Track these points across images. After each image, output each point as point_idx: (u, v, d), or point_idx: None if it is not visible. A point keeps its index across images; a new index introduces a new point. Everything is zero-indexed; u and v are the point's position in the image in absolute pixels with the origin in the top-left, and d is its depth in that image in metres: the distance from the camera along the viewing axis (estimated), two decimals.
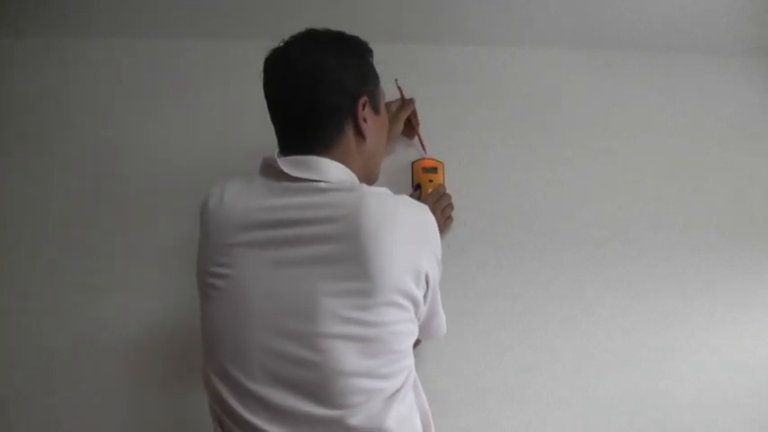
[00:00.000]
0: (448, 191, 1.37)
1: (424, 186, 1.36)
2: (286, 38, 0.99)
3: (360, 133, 0.98)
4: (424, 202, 1.29)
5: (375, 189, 0.92)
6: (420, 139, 1.41)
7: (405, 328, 0.90)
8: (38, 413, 1.31)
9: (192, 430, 1.28)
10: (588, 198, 1.45)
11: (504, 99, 1.49)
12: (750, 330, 1.41)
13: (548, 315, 1.38)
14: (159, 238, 1.37)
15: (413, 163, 1.39)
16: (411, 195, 1.36)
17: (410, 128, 1.40)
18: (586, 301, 1.39)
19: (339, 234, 0.85)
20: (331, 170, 0.93)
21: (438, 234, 0.96)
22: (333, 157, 0.94)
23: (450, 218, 1.37)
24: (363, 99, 0.98)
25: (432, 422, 0.98)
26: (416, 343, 1.12)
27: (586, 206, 1.45)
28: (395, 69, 1.44)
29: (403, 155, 1.42)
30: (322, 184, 0.90)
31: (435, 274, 0.94)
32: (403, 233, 0.87)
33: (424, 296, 0.93)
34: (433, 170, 1.38)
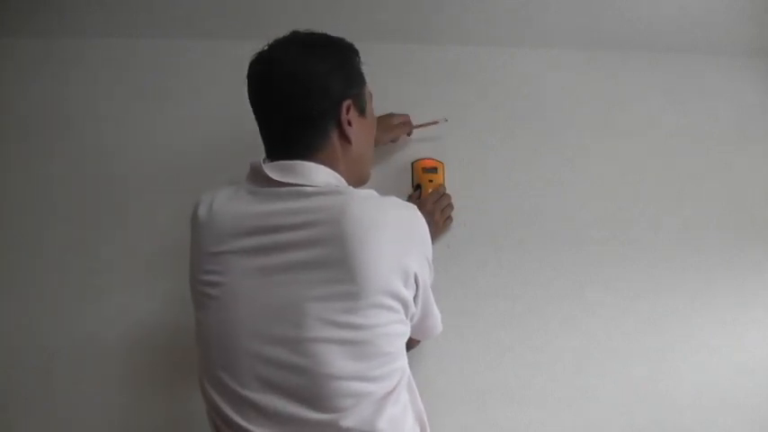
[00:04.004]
0: (448, 191, 1.37)
1: (424, 186, 1.35)
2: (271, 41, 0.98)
3: (344, 137, 0.96)
4: (424, 202, 1.30)
5: (361, 191, 0.91)
6: (421, 127, 1.39)
7: (395, 329, 0.89)
8: (38, 413, 1.31)
9: (191, 430, 1.28)
10: (588, 198, 1.45)
11: (504, 99, 1.49)
12: (750, 330, 1.41)
13: (548, 315, 1.38)
14: (159, 238, 1.37)
15: (413, 163, 1.39)
16: (411, 195, 1.36)
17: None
18: (586, 301, 1.39)
19: (324, 238, 0.84)
20: (318, 174, 0.92)
21: (428, 233, 0.95)
22: (319, 161, 0.93)
23: (449, 218, 1.37)
24: (348, 102, 0.96)
25: (427, 422, 0.97)
26: (414, 343, 1.11)
27: (586, 206, 1.45)
28: (395, 69, 1.44)
29: (403, 155, 1.42)
30: (308, 188, 0.89)
31: (425, 274, 0.93)
32: (388, 234, 0.86)
33: (415, 297, 0.92)
34: (433, 170, 1.38)
